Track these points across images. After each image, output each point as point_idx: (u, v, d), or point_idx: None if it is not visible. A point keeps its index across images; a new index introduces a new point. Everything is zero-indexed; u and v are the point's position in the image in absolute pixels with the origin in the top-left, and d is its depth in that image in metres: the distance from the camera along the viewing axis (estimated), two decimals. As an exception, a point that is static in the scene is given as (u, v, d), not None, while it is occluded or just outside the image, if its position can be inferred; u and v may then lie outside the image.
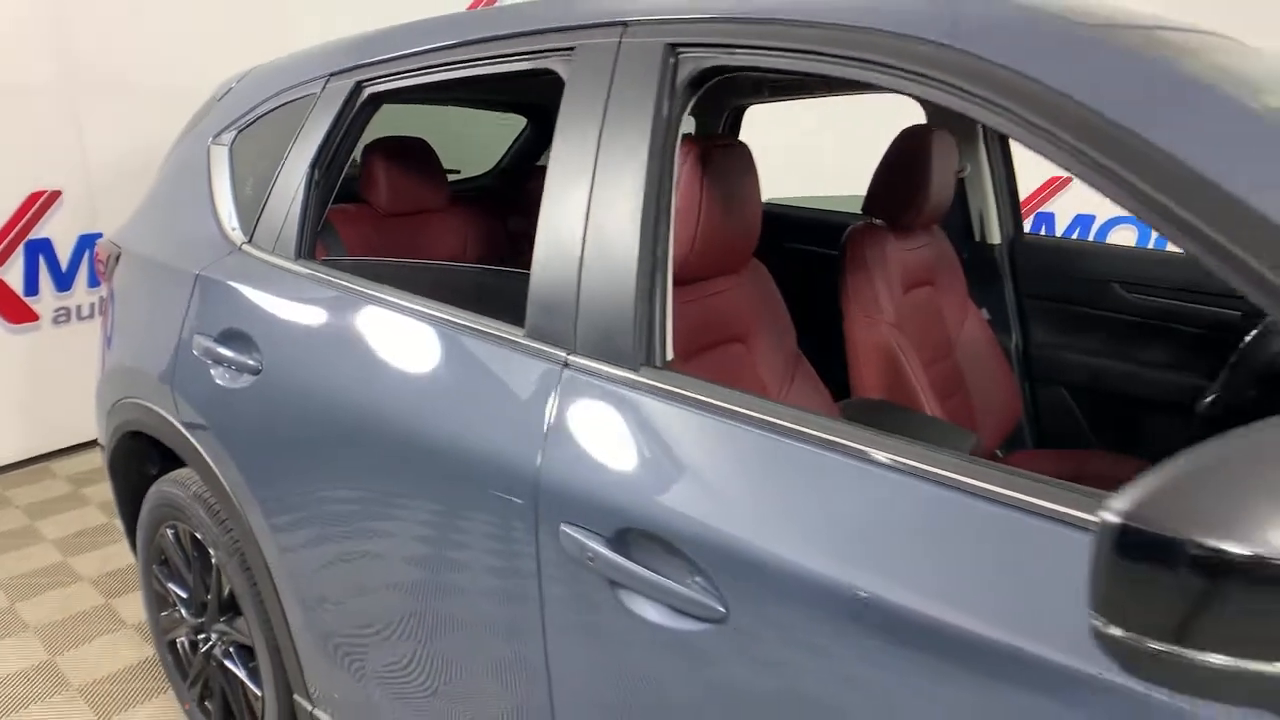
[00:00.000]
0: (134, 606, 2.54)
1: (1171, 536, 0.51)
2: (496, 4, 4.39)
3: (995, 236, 2.25)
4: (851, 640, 0.83)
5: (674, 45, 1.10)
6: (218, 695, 1.91)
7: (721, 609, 0.91)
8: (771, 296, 1.62)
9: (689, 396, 1.00)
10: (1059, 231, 4.77)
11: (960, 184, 2.24)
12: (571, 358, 1.11)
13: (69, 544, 2.93)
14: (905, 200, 1.90)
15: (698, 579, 0.93)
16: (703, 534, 0.92)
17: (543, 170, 1.22)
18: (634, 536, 0.98)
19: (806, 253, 2.59)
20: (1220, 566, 0.52)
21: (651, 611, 0.97)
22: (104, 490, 2.18)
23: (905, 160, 1.88)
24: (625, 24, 1.16)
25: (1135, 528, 0.52)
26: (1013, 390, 2.17)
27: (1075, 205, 4.73)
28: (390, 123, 2.38)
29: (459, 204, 2.48)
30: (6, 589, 2.65)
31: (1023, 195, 4.89)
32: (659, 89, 1.10)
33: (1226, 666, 0.54)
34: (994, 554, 0.78)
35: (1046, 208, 4.80)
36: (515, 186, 2.85)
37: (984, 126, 2.19)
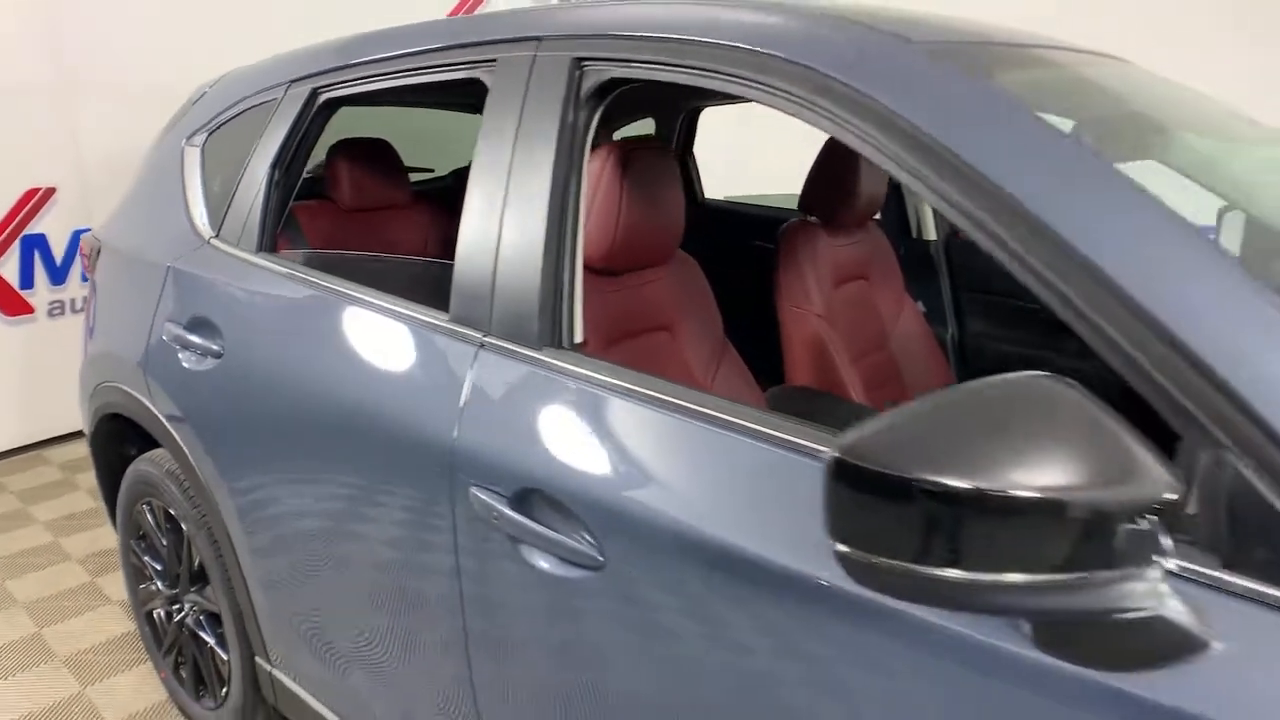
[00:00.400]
0: (119, 584, 2.66)
1: (883, 471, 0.63)
2: (478, 10, 4.52)
3: (931, 233, 2.36)
4: (704, 582, 0.95)
5: (580, 59, 1.22)
6: (190, 661, 2.04)
7: (600, 558, 1.03)
8: (698, 288, 1.74)
9: (583, 375, 1.12)
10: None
11: (896, 183, 2.35)
12: (487, 339, 1.23)
13: (58, 526, 3.07)
14: (837, 199, 2.02)
15: (582, 533, 1.05)
16: (584, 492, 1.04)
17: None
18: (531, 496, 1.10)
19: (764, 249, 2.71)
20: (944, 497, 0.64)
21: (544, 561, 1.09)
22: (94, 477, 2.32)
23: (836, 161, 2.00)
24: (539, 39, 1.28)
25: (848, 461, 0.64)
26: (947, 380, 2.28)
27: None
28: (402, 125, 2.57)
29: (423, 201, 2.60)
30: (-2, 567, 2.79)
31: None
32: (566, 97, 1.22)
33: (959, 579, 0.66)
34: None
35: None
36: None
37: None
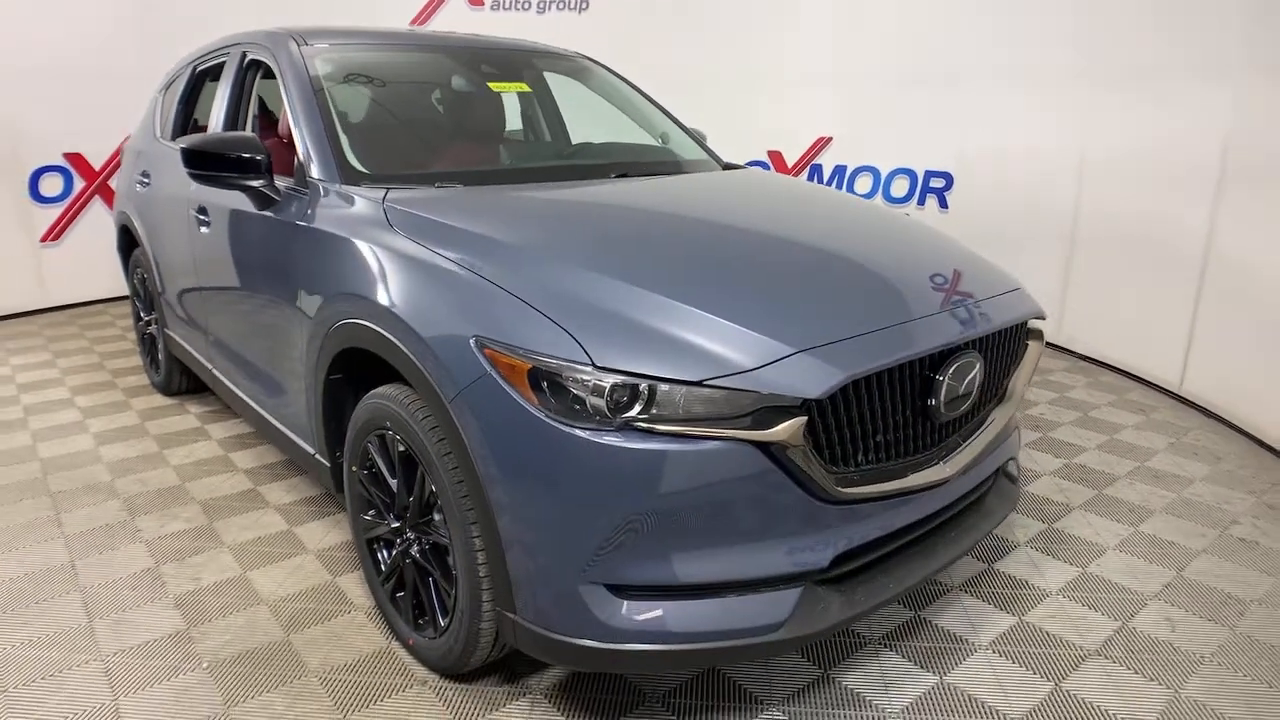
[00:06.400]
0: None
1: (195, 149, 2.54)
2: (429, 22, 6.52)
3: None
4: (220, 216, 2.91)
5: (244, 52, 3.19)
6: (154, 358, 4.18)
7: (208, 218, 3.00)
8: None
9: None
10: (825, 175, 6.42)
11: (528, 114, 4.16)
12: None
13: (127, 327, 5.35)
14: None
15: (204, 213, 3.02)
16: (204, 197, 3.02)
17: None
18: (202, 208, 3.09)
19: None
20: (210, 154, 2.57)
21: (204, 229, 3.08)
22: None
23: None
24: (240, 44, 3.25)
25: (190, 149, 2.55)
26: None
27: (834, 159, 6.41)
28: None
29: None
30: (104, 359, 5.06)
31: (799, 152, 6.52)
32: (239, 67, 3.19)
33: (219, 175, 2.59)
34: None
35: (817, 160, 6.48)
36: None
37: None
